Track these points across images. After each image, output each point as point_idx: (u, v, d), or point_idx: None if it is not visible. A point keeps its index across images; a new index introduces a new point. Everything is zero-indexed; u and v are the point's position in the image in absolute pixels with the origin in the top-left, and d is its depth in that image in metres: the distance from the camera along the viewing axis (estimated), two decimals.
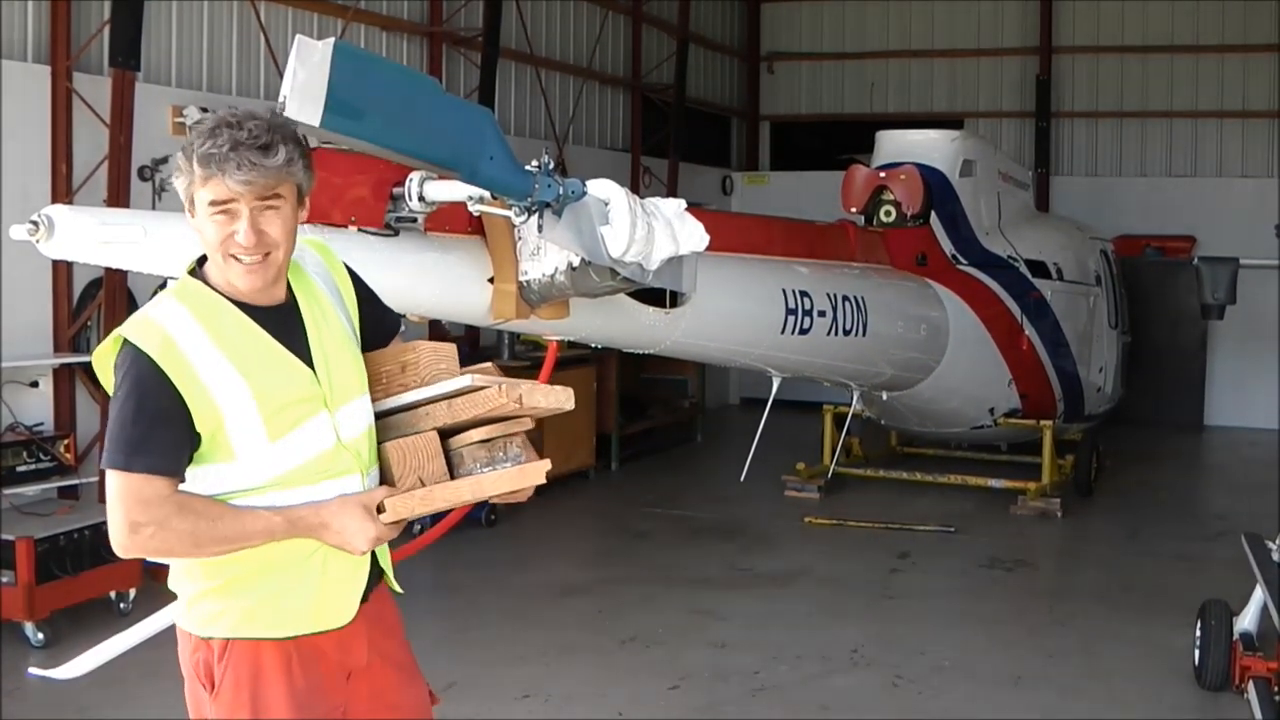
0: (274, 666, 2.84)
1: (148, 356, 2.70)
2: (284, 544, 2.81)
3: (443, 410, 2.94)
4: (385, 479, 2.93)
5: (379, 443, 2.96)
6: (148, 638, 4.10)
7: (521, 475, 2.91)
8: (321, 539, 2.83)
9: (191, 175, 2.71)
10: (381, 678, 3.03)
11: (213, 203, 2.72)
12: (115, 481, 2.71)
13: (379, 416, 3.00)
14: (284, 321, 2.86)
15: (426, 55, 11.80)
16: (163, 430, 2.70)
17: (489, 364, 3.13)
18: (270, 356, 2.81)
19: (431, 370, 2.98)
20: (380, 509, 2.83)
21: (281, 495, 2.80)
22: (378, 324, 3.12)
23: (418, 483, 2.89)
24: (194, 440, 2.74)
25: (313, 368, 2.86)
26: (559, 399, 2.98)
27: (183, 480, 2.76)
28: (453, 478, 2.91)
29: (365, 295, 3.11)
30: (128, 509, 2.69)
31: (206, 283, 2.83)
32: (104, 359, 2.79)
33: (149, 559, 2.85)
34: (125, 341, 2.73)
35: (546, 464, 2.94)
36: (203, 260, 2.87)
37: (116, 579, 7.36)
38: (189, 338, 2.73)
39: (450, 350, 3.01)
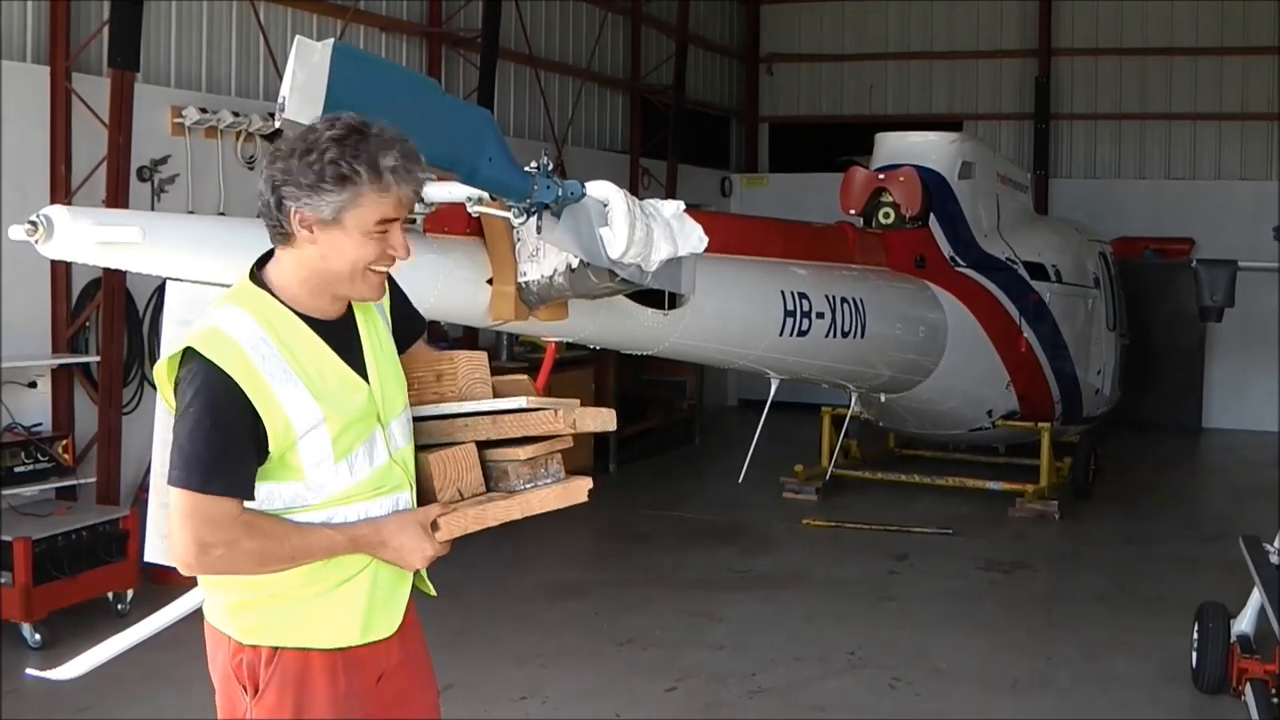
0: (321, 674, 2.83)
1: (223, 373, 2.61)
2: (332, 559, 2.79)
3: (486, 424, 2.95)
4: (423, 488, 2.92)
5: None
6: (146, 638, 4.09)
7: (565, 493, 2.97)
8: (378, 556, 2.82)
9: (357, 190, 2.62)
10: (405, 679, 3.04)
11: (382, 220, 2.66)
12: (184, 501, 2.62)
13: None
14: (344, 335, 2.84)
15: (426, 56, 11.79)
16: (236, 451, 2.63)
17: (524, 377, 3.13)
18: (335, 374, 2.78)
19: (468, 380, 3.01)
20: (435, 526, 2.84)
21: (342, 511, 2.78)
22: (406, 326, 3.11)
23: (456, 494, 2.92)
24: (264, 459, 2.69)
25: (368, 382, 2.84)
26: (604, 420, 3.05)
27: (251, 499, 2.69)
28: (488, 489, 2.95)
29: (398, 297, 3.10)
30: (196, 530, 2.62)
31: (269, 291, 2.76)
32: (168, 372, 2.71)
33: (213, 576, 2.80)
34: (195, 354, 2.64)
35: (588, 482, 2.98)
36: (261, 263, 2.81)
37: (114, 580, 7.37)
38: (263, 354, 2.66)
39: (483, 359, 3.04)
